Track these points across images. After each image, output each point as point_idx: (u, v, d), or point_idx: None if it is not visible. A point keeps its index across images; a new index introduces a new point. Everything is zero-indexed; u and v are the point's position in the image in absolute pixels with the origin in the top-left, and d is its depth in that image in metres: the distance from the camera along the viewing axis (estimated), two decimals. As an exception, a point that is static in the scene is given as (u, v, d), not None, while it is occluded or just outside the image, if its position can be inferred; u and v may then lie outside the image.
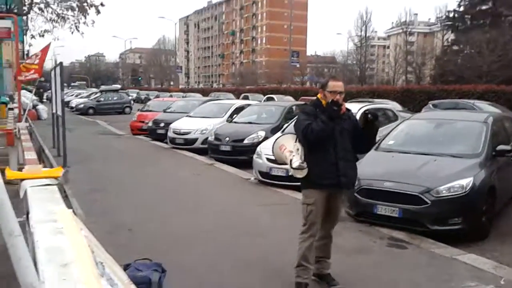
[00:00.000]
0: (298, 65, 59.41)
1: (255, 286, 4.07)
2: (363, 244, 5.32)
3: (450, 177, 5.69)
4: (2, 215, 0.72)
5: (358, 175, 6.16)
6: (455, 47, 41.55)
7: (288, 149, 4.11)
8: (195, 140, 13.28)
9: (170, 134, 13.85)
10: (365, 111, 4.21)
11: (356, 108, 9.72)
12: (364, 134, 4.11)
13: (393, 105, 16.07)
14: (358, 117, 8.97)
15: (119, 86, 44.93)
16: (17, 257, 0.74)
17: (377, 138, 7.92)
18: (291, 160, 4.01)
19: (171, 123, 14.36)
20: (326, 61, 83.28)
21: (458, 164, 6.02)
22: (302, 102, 16.29)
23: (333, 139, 3.99)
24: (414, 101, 25.93)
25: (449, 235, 5.48)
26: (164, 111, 17.11)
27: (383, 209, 5.81)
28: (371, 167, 6.50)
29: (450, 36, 46.12)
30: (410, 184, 5.73)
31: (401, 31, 65.56)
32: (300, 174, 3.99)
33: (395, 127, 7.89)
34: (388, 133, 7.64)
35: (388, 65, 74.33)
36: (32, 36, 24.22)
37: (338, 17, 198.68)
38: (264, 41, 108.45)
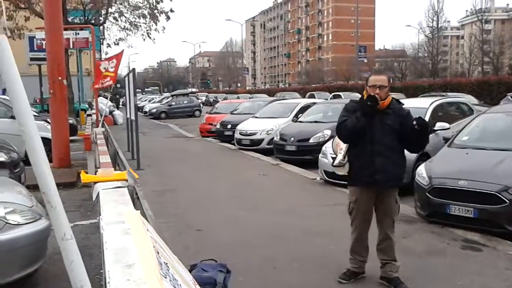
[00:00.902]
0: (365, 60, 58.08)
1: (322, 285, 4.03)
2: (435, 246, 5.09)
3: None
4: (55, 219, 0.77)
5: (430, 174, 6.00)
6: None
7: (340, 147, 4.11)
8: (261, 140, 13.39)
9: (237, 135, 14.07)
10: (413, 119, 3.96)
11: (428, 103, 9.34)
12: (413, 136, 3.97)
13: (468, 99, 15.23)
14: (429, 112, 8.71)
15: (190, 90, 46.32)
16: (69, 260, 0.79)
17: (451, 134, 7.64)
18: (334, 158, 4.08)
19: (238, 124, 14.59)
20: (395, 55, 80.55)
21: (541, 161, 5.59)
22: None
23: (371, 135, 3.93)
24: (491, 93, 24.48)
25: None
26: (231, 112, 17.42)
27: (457, 209, 5.53)
28: (443, 165, 6.22)
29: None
30: (486, 183, 5.41)
31: (476, 19, 61.95)
32: (340, 171, 4.14)
33: (469, 122, 7.47)
34: (462, 128, 7.26)
35: (462, 56, 70.72)
36: (108, 45, 25.64)
37: (408, 8, 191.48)
38: (330, 38, 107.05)
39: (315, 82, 67.96)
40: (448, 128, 8.39)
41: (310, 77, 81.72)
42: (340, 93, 32.98)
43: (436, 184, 5.83)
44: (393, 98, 4.15)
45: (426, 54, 63.36)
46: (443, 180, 5.82)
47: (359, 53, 51.74)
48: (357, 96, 29.05)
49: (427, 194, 5.86)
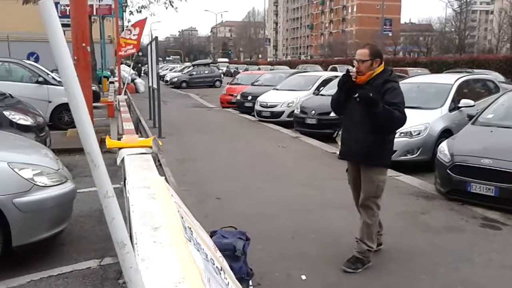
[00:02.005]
0: (390, 34, 56.80)
1: (338, 257, 4.09)
2: (454, 223, 5.09)
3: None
4: (98, 177, 0.80)
5: (452, 151, 5.94)
6: None
7: None
8: (281, 113, 13.36)
9: (257, 107, 14.05)
10: (355, 95, 3.75)
11: (453, 79, 9.15)
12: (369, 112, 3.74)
13: (495, 76, 14.85)
14: (454, 88, 8.55)
15: (227, 59, 45.49)
16: (111, 217, 0.82)
17: (475, 111, 7.50)
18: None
19: (258, 96, 14.55)
20: (421, 29, 78.54)
21: None
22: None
23: (349, 109, 3.96)
24: (519, 71, 23.75)
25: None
26: (252, 84, 17.35)
27: (478, 187, 5.49)
28: (466, 143, 6.15)
29: None
30: (510, 161, 5.33)
31: (507, -7, 59.63)
32: (338, 142, 4.38)
33: (495, 100, 7.32)
34: (488, 106, 7.12)
35: (491, 32, 68.55)
36: (131, 12, 25.61)
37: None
38: (355, 10, 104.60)
39: (338, 55, 66.87)
40: (473, 106, 8.25)
41: (332, 49, 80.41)
42: (363, 67, 32.40)
43: (458, 161, 5.78)
44: (381, 72, 3.86)
45: (453, 29, 61.63)
46: (466, 157, 5.76)
47: (384, 26, 50.59)
48: (380, 70, 28.54)
49: (448, 171, 5.82)
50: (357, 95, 3.73)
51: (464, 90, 9.03)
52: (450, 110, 8.33)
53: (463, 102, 8.39)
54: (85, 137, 0.79)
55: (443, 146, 6.26)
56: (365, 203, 3.98)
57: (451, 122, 8.10)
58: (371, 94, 3.64)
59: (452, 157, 5.89)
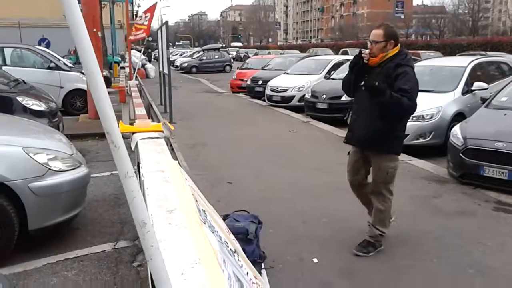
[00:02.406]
0: (402, 17, 55.84)
1: (349, 241, 4.11)
2: (466, 207, 5.07)
3: None
4: (118, 158, 0.81)
5: (465, 135, 5.89)
6: None
7: None
8: (292, 97, 13.30)
9: (268, 91, 14.00)
10: (361, 83, 3.73)
11: (466, 62, 9.03)
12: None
13: (509, 58, 14.56)
14: (467, 71, 8.43)
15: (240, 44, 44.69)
16: (131, 196, 0.84)
17: (489, 94, 7.41)
18: None
19: (268, 80, 14.47)
20: (434, 11, 77.07)
21: None
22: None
23: (359, 93, 3.89)
24: (535, 53, 23.28)
25: None
26: (262, 68, 17.27)
27: (491, 171, 5.45)
28: (479, 126, 6.09)
29: None
30: (524, 145, 5.29)
31: (524, -26, 58.30)
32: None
33: (509, 83, 7.21)
34: (502, 89, 7.02)
35: (505, 13, 67.12)
36: (141, -4, 25.41)
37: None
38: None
39: (349, 38, 66.15)
40: (486, 88, 8.14)
41: (343, 33, 79.51)
42: (374, 50, 32.07)
43: (471, 145, 5.73)
44: (395, 55, 3.73)
45: (466, 11, 60.54)
46: (479, 141, 5.71)
47: (396, 9, 49.81)
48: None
49: (460, 154, 5.78)
50: (362, 83, 3.69)
51: (478, 73, 8.90)
52: (463, 93, 8.23)
53: (476, 85, 8.29)
54: (105, 117, 0.80)
55: (456, 130, 6.20)
56: (376, 189, 3.96)
57: (464, 105, 8.02)
58: (376, 83, 3.52)
59: (465, 141, 5.85)
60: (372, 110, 3.68)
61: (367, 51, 3.73)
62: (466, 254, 3.89)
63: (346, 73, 4.07)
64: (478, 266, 3.67)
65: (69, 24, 0.79)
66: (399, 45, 3.80)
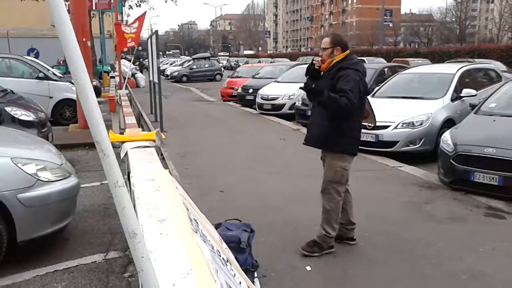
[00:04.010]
0: (391, 25, 56.51)
1: (342, 248, 4.09)
2: (457, 212, 5.08)
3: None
4: (108, 167, 0.80)
5: (455, 141, 5.93)
6: None
7: None
8: (282, 105, 13.34)
9: (258, 100, 14.03)
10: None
11: (455, 69, 9.12)
12: None
13: (496, 65, 14.79)
14: (456, 78, 8.51)
15: (228, 54, 45.01)
16: (121, 206, 0.82)
17: (478, 100, 7.49)
18: None
19: (259, 89, 14.51)
20: (422, 19, 78.11)
21: None
22: (395, 64, 15.57)
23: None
24: (521, 60, 23.64)
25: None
26: (253, 77, 17.30)
27: (481, 176, 5.49)
28: (469, 132, 6.14)
29: None
30: (513, 151, 5.33)
31: (509, -18, 59.26)
32: None
33: (498, 89, 7.30)
34: (490, 95, 7.10)
35: (491, 21, 68.16)
36: (130, 7, 25.51)
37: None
38: (355, 1, 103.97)
39: (338, 46, 66.48)
40: (475, 95, 8.23)
41: (333, 41, 79.99)
42: (364, 58, 32.30)
43: (461, 151, 5.77)
44: (340, 60, 3.91)
45: (453, 19, 61.35)
46: (469, 147, 5.75)
47: (385, 17, 50.30)
48: (381, 61, 28.51)
49: (451, 161, 5.82)
50: (301, 86, 3.89)
51: (466, 80, 9.00)
52: (452, 100, 8.31)
53: (465, 91, 8.37)
54: (95, 126, 0.78)
55: (446, 136, 6.25)
56: (324, 188, 4.10)
57: (453, 112, 8.08)
58: (313, 85, 3.76)
59: (455, 147, 5.89)
60: (322, 111, 3.93)
61: (319, 58, 3.98)
62: (458, 260, 3.89)
63: None
64: (471, 272, 3.67)
65: (58, 33, 0.77)
66: (348, 51, 4.01)
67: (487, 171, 5.45)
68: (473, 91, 8.35)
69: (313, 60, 3.99)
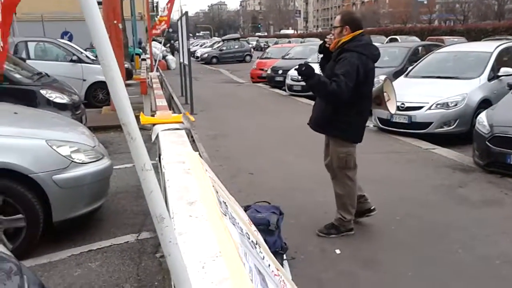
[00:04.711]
0: (425, 2, 54.77)
1: (372, 232, 4.06)
2: (493, 196, 4.95)
3: None
4: (135, 150, 0.80)
5: (491, 122, 5.74)
6: None
7: None
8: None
9: (288, 81, 13.91)
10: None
11: (492, 47, 8.78)
12: None
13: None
14: (494, 56, 8.19)
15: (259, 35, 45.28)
16: (149, 190, 0.82)
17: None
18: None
19: (289, 70, 14.34)
20: (458, -5, 75.29)
21: None
22: (429, 43, 15.12)
23: None
24: None
25: None
26: (283, 57, 17.13)
27: (518, 159, 5.31)
28: (506, 113, 5.93)
29: None
30: (553, 132, 5.12)
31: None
32: None
33: (538, 68, 6.99)
34: (530, 75, 6.82)
35: (534, -4, 64.89)
36: (160, -12, 25.44)
37: None
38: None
39: (370, 25, 64.99)
40: (513, 74, 7.91)
41: (365, 19, 78.19)
42: (397, 37, 31.52)
43: (498, 132, 5.59)
44: (347, 41, 3.78)
45: (492, -6, 58.80)
46: (506, 128, 5.56)
47: (419, -6, 48.72)
48: (415, 40, 27.73)
49: (487, 142, 5.64)
50: (296, 67, 3.78)
51: (504, 58, 8.65)
52: (489, 79, 8.02)
53: (503, 70, 8.06)
54: (121, 108, 0.78)
55: (482, 117, 6.05)
56: (333, 174, 4.10)
57: (490, 92, 7.81)
58: (303, 68, 3.64)
59: (491, 128, 5.70)
60: None
61: (331, 36, 3.90)
62: (493, 245, 3.80)
63: None
64: (505, 257, 3.58)
65: (84, 16, 0.77)
66: (358, 31, 3.82)
67: (524, 154, 5.27)
68: (511, 70, 8.03)
69: (325, 37, 3.95)
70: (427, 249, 3.76)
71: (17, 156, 3.63)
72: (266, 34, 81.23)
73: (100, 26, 0.77)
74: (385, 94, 4.16)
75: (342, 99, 3.63)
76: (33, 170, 3.64)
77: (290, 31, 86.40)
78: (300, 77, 3.73)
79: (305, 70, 3.63)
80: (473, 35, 30.98)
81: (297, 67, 3.71)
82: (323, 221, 4.33)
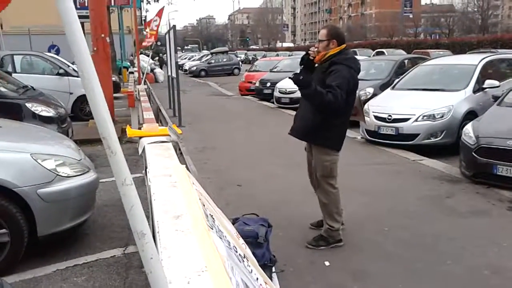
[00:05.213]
0: (411, 16, 55.65)
1: (361, 243, 4.04)
2: (480, 206, 4.98)
3: None
4: (115, 164, 0.78)
5: (477, 133, 5.80)
6: None
7: None
8: (300, 99, 13.22)
9: (276, 93, 13.96)
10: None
11: (477, 60, 8.91)
12: None
13: (521, 56, 14.39)
14: (478, 69, 8.30)
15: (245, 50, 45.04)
16: (129, 204, 0.80)
17: (501, 92, 7.29)
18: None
19: (277, 82, 14.42)
20: (442, 10, 76.60)
21: None
22: (415, 56, 15.31)
23: None
24: (547, 50, 22.94)
25: None
26: (271, 70, 17.22)
27: (504, 169, 5.36)
28: (492, 124, 5.99)
29: None
30: (538, 143, 5.18)
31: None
32: None
33: (522, 80, 7.10)
34: (514, 87, 6.91)
35: (516, 10, 66.32)
36: (148, 2, 25.59)
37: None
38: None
39: (357, 38, 65.79)
40: (498, 86, 8.02)
41: (352, 33, 79.07)
42: (384, 50, 31.91)
43: (484, 143, 5.64)
44: (335, 54, 3.86)
45: (475, 9, 59.98)
46: (491, 139, 5.62)
47: (405, 8, 49.59)
48: (401, 53, 28.10)
49: (473, 153, 5.69)
50: (291, 75, 3.83)
51: (489, 71, 8.78)
52: (475, 91, 8.12)
53: (488, 83, 8.17)
54: (101, 122, 0.77)
55: (468, 128, 6.11)
56: (318, 182, 4.12)
57: (475, 103, 7.90)
58: (301, 77, 3.66)
59: (477, 139, 5.76)
60: (308, 103, 3.91)
61: (315, 49, 3.95)
62: (481, 255, 3.81)
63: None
64: (494, 267, 3.59)
65: (64, 27, 0.76)
66: (344, 45, 3.96)
67: (510, 164, 5.32)
68: (496, 82, 8.14)
69: (308, 50, 3.98)
70: (416, 260, 3.75)
71: (1, 170, 3.57)
72: (257, 47, 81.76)
73: (79, 37, 0.76)
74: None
75: (336, 109, 3.74)
76: (17, 184, 3.57)
77: (291, 44, 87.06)
78: (296, 86, 3.74)
79: (302, 80, 3.67)
80: (458, 48, 31.51)
81: (292, 76, 3.72)
82: (312, 233, 4.31)
